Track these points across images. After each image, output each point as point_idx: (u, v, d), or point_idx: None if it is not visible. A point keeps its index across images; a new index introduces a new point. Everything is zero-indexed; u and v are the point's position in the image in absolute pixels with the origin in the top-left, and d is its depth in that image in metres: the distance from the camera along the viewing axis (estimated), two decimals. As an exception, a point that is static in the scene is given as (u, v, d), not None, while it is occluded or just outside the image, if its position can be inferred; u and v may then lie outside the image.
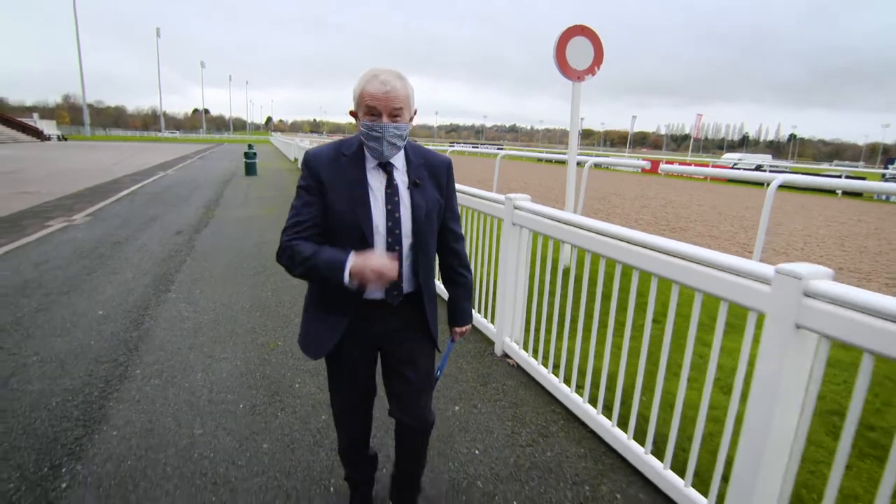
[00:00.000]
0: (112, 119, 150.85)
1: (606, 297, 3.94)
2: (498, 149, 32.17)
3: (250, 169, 18.21)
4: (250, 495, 2.25)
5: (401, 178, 1.73)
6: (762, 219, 5.34)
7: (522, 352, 3.53)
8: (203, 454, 2.52)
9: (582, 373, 3.11)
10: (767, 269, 1.78)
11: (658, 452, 2.40)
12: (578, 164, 7.51)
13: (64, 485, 2.28)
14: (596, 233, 2.66)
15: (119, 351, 3.62)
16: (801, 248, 9.36)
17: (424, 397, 1.92)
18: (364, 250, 1.62)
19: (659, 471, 2.32)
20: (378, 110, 1.59)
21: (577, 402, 2.91)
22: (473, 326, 3.43)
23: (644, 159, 31.48)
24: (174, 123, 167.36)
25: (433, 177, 1.78)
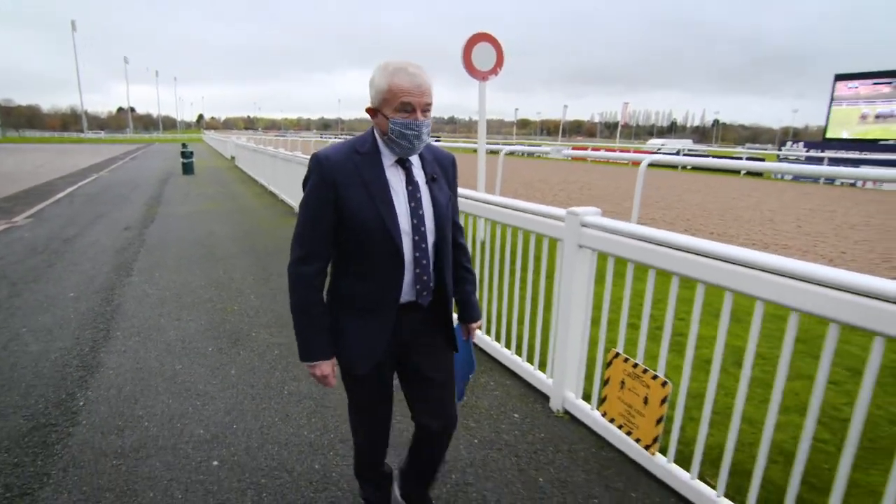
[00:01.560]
0: (25, 119, 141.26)
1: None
2: (435, 140, 33.03)
3: (187, 168, 18.35)
4: (225, 400, 3.09)
5: (419, 175, 1.69)
6: (636, 192, 6.54)
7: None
8: (185, 379, 3.33)
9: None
10: (561, 212, 2.80)
11: None
12: (494, 152, 8.56)
13: (81, 403, 3.04)
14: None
15: (98, 321, 4.32)
16: (687, 219, 10.81)
17: (450, 397, 1.89)
18: (395, 263, 1.63)
19: None
20: (413, 106, 1.54)
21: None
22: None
23: (574, 147, 33.24)
24: (98, 123, 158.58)
25: (444, 172, 1.76)
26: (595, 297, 2.80)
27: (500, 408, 3.04)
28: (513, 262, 3.45)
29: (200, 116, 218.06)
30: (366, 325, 1.69)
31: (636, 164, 31.09)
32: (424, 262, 1.67)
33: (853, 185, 22.34)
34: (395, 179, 1.63)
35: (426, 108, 1.56)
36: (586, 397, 2.92)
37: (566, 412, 2.95)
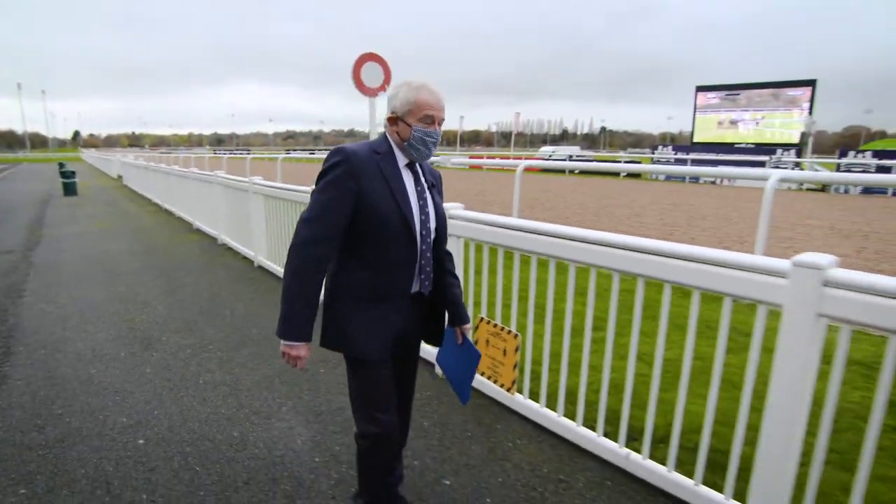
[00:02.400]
0: None
1: None
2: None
3: (69, 189, 17.24)
4: (144, 394, 3.37)
5: (424, 179, 1.92)
6: (515, 192, 7.39)
7: None
8: (101, 381, 3.56)
9: None
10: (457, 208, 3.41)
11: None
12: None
13: (-4, 408, 3.21)
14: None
15: (-4, 339, 4.35)
16: (567, 217, 12.02)
17: (410, 407, 2.19)
18: (406, 251, 1.80)
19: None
20: (433, 118, 1.80)
21: None
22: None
23: (471, 157, 34.66)
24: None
25: (437, 183, 2.00)
26: (475, 285, 3.44)
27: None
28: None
29: (77, 133, 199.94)
30: (381, 313, 1.81)
31: (528, 169, 33.22)
32: (428, 255, 1.88)
33: (713, 182, 25.40)
34: (408, 179, 1.85)
35: (441, 122, 1.83)
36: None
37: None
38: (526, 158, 33.41)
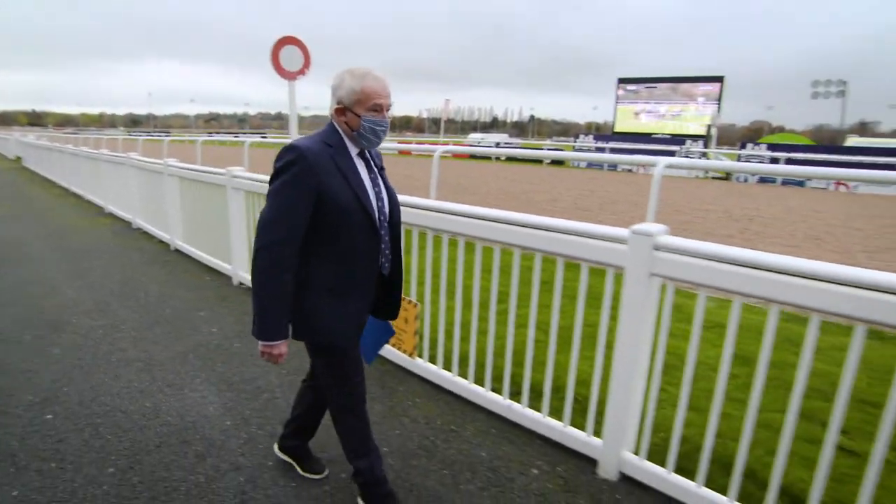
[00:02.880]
0: None
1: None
2: (262, 137, 32.13)
3: (-40, 170, 15.86)
4: (52, 374, 3.39)
5: (374, 165, 1.98)
6: (432, 178, 7.69)
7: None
8: (4, 360, 3.53)
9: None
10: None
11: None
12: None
13: None
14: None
15: None
16: (489, 203, 12.50)
17: None
18: (367, 240, 1.87)
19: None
20: (381, 106, 1.81)
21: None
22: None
23: (400, 142, 34.68)
24: None
25: (383, 165, 2.07)
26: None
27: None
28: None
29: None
30: (350, 301, 1.89)
31: (456, 155, 33.73)
32: (386, 238, 1.97)
33: (630, 170, 26.90)
34: (361, 169, 1.89)
35: (389, 108, 1.86)
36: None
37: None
38: (454, 144, 33.83)
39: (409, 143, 33.69)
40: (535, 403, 2.86)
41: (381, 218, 1.92)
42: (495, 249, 2.90)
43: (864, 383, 3.10)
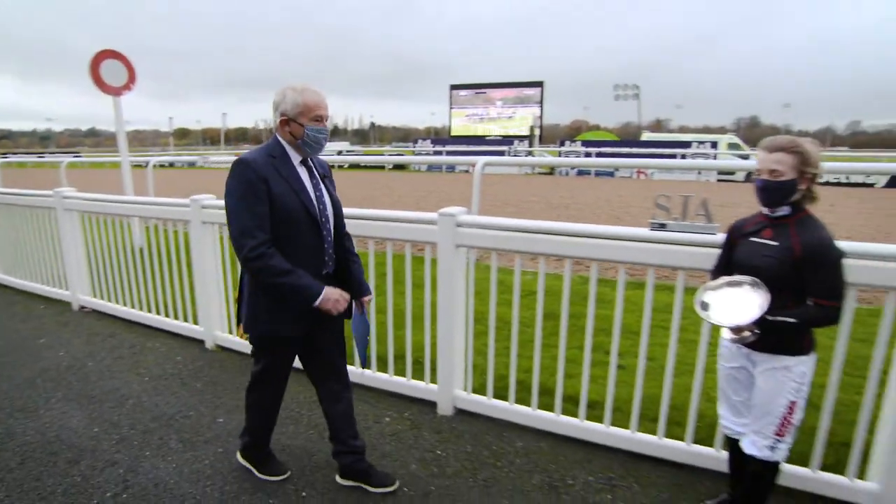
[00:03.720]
0: None
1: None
2: (75, 156, 28.57)
3: None
4: None
5: (317, 172, 2.19)
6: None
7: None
8: None
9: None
10: (186, 200, 3.84)
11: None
12: (141, 165, 8.77)
13: None
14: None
15: None
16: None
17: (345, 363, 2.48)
18: (313, 240, 2.10)
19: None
20: (322, 116, 2.06)
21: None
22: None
23: (236, 154, 33.19)
24: None
25: (328, 174, 2.27)
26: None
27: (166, 356, 3.92)
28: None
29: None
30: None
31: (302, 166, 33.48)
32: (329, 238, 2.18)
33: (467, 171, 28.85)
34: (304, 176, 2.11)
35: (327, 118, 2.11)
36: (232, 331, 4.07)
37: (219, 346, 4.07)
38: (297, 155, 33.06)
39: (248, 155, 32.48)
40: (381, 368, 3.41)
41: (324, 220, 2.14)
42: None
43: (632, 320, 4.12)
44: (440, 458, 2.70)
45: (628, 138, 38.69)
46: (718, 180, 23.69)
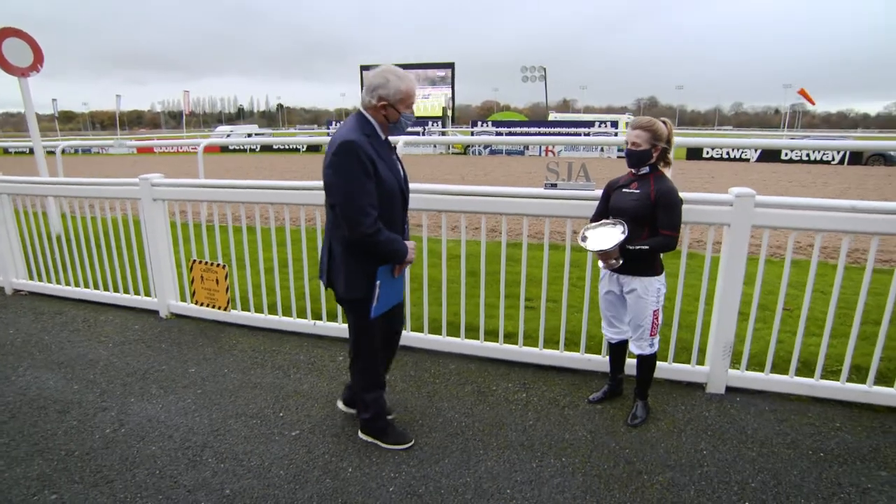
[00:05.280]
0: None
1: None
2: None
3: None
4: None
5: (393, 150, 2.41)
6: (199, 166, 8.02)
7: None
8: None
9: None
10: (135, 180, 4.12)
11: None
12: (52, 151, 8.45)
13: None
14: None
15: None
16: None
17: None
18: (400, 212, 2.37)
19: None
20: (412, 103, 2.26)
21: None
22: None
23: (139, 139, 31.29)
24: None
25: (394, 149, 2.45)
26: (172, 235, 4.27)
27: (123, 326, 4.20)
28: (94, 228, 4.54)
29: None
30: (391, 268, 2.35)
31: (208, 149, 32.07)
32: (406, 208, 2.46)
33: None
34: (392, 155, 2.36)
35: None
36: (185, 299, 4.41)
37: (173, 314, 4.39)
38: (201, 139, 31.75)
39: (150, 139, 30.67)
40: (331, 320, 3.94)
41: (407, 193, 2.41)
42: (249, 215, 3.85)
43: (538, 271, 4.91)
44: (389, 381, 3.31)
45: (536, 118, 40.48)
46: (618, 157, 25.65)
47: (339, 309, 3.83)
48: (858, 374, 3.13)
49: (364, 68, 41.89)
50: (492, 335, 3.61)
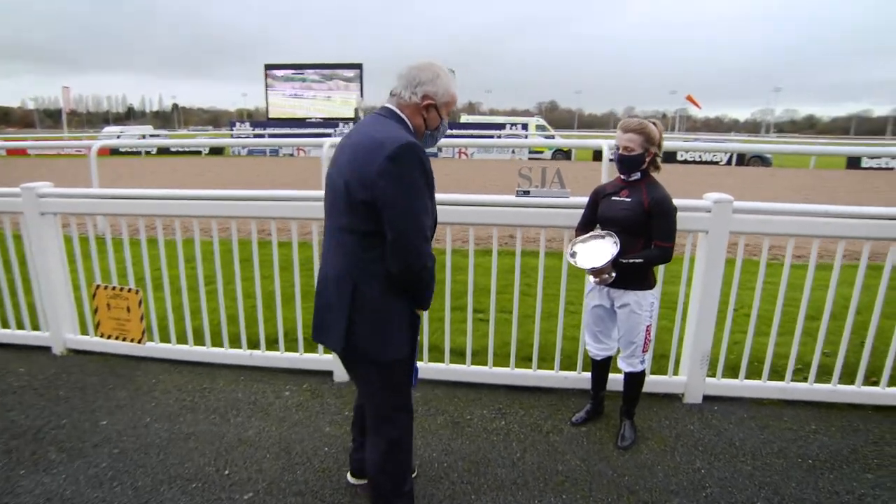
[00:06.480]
0: None
1: None
2: None
3: None
4: None
5: None
6: (92, 172, 7.04)
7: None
8: None
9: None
10: (17, 189, 3.38)
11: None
12: None
13: None
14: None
15: None
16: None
17: None
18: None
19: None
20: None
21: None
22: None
23: (6, 139, 27.71)
24: None
25: None
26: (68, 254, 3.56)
27: (2, 369, 3.43)
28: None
29: None
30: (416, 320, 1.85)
31: (103, 151, 29.07)
32: None
33: (291, 154, 27.99)
34: None
35: None
36: (85, 331, 3.70)
37: (70, 350, 3.67)
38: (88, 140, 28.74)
39: (24, 140, 27.28)
40: (272, 347, 3.45)
41: None
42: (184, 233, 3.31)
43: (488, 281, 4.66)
44: (349, 418, 2.89)
45: (448, 121, 40.46)
46: (530, 157, 26.25)
47: (281, 333, 3.34)
48: (822, 374, 3.15)
49: (269, 67, 40.00)
50: (458, 355, 3.30)
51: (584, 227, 2.65)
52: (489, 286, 3.15)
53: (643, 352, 2.57)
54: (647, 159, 2.41)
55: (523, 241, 3.13)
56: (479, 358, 3.30)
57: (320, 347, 3.35)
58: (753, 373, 3.18)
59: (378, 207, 1.60)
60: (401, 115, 1.74)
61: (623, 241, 2.37)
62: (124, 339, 3.49)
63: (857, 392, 3.05)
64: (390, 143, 1.59)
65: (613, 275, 2.41)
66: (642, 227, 2.41)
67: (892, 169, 23.87)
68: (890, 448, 2.72)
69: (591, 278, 2.52)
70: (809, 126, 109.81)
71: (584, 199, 2.72)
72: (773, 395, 3.10)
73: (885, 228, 2.82)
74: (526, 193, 2.95)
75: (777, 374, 3.19)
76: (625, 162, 2.41)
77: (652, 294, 2.51)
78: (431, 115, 1.77)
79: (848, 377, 3.07)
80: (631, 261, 2.38)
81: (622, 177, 2.49)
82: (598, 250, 2.39)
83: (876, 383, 3.06)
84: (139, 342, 3.47)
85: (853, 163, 24.59)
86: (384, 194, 1.58)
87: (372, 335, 1.73)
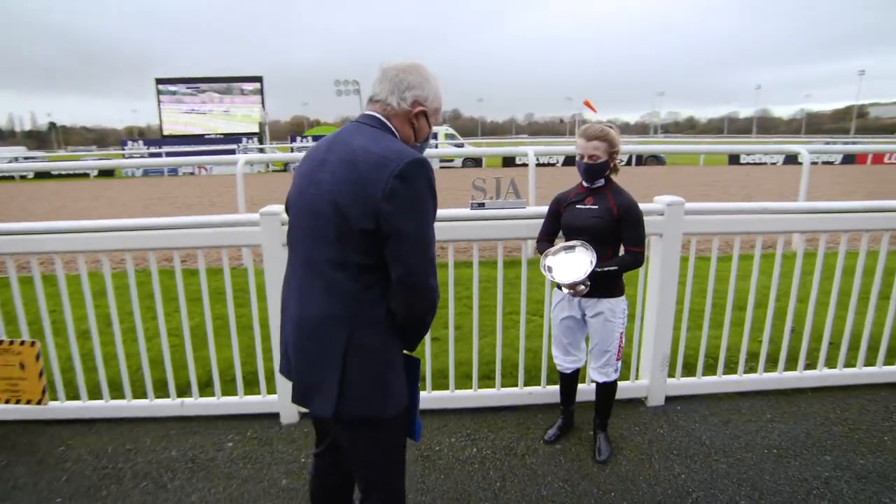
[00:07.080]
0: None
1: None
2: None
3: None
4: None
5: None
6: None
7: None
8: None
9: None
10: None
11: None
12: None
13: None
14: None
15: None
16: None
17: None
18: None
19: None
20: None
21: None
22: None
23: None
24: None
25: None
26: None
27: None
28: None
29: None
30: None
31: (-42, 182, 25.60)
32: None
33: (192, 173, 26.25)
34: None
35: None
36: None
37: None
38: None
39: None
40: (206, 391, 3.05)
41: None
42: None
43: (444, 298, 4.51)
44: (305, 464, 2.60)
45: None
46: (441, 167, 26.39)
47: (216, 374, 2.97)
48: (769, 363, 3.27)
49: (160, 82, 37.41)
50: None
51: (547, 236, 2.55)
52: (445, 304, 2.97)
53: (616, 359, 2.50)
54: (612, 165, 2.36)
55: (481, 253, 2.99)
56: (439, 382, 3.11)
57: (262, 386, 3.01)
58: (709, 368, 3.25)
59: (382, 236, 1.34)
60: (389, 123, 1.48)
61: (594, 250, 2.29)
62: (18, 402, 2.94)
63: (801, 377, 3.20)
64: (396, 158, 1.33)
65: (588, 284, 2.32)
66: (612, 235, 2.35)
67: (765, 164, 26.60)
68: (837, 428, 2.85)
69: (564, 290, 2.42)
70: (690, 126, 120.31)
71: (543, 209, 2.63)
72: (729, 389, 3.18)
73: (814, 222, 3.00)
74: (481, 206, 2.81)
75: (730, 368, 3.28)
76: (591, 170, 2.34)
77: (623, 300, 2.45)
78: (421, 124, 1.52)
79: (791, 363, 3.22)
80: (606, 269, 2.30)
81: (585, 184, 2.42)
82: (574, 262, 2.30)
83: (813, 366, 3.23)
84: (39, 403, 2.94)
85: (734, 159, 27.28)
86: (390, 221, 1.32)
87: (371, 391, 1.44)
